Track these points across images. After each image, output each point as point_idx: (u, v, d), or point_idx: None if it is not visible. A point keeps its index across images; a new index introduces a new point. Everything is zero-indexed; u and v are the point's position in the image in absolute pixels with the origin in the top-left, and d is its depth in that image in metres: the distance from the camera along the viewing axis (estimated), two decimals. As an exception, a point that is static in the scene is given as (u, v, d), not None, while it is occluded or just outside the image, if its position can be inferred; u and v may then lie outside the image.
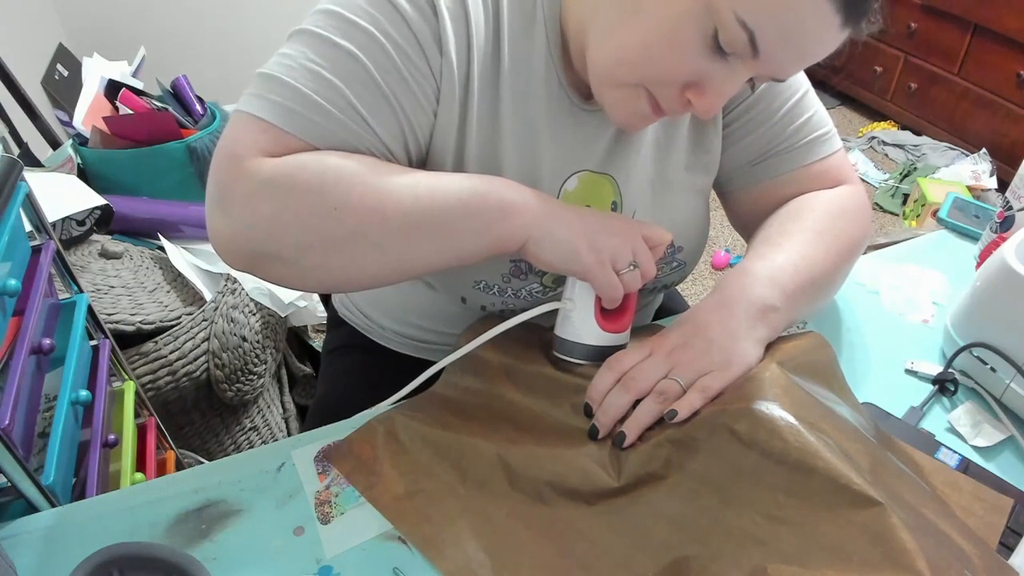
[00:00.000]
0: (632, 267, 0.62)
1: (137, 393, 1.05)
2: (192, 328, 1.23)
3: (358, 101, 0.58)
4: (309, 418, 0.91)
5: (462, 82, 0.62)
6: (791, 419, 0.54)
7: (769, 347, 0.65)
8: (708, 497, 0.56)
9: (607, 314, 0.65)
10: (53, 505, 0.70)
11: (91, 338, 0.99)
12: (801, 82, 0.75)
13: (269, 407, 1.48)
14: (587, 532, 0.59)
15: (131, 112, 1.54)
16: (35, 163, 1.46)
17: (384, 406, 0.71)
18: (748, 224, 0.80)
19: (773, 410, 0.55)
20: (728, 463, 0.55)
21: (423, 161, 0.66)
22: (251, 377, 1.35)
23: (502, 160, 0.66)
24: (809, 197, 0.76)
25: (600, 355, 0.65)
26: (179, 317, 1.22)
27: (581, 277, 0.62)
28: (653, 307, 0.95)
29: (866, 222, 0.77)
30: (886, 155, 2.86)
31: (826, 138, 0.76)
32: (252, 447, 1.40)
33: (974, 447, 0.70)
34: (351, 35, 0.57)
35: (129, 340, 1.17)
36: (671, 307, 1.02)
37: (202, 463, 1.23)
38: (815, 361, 0.65)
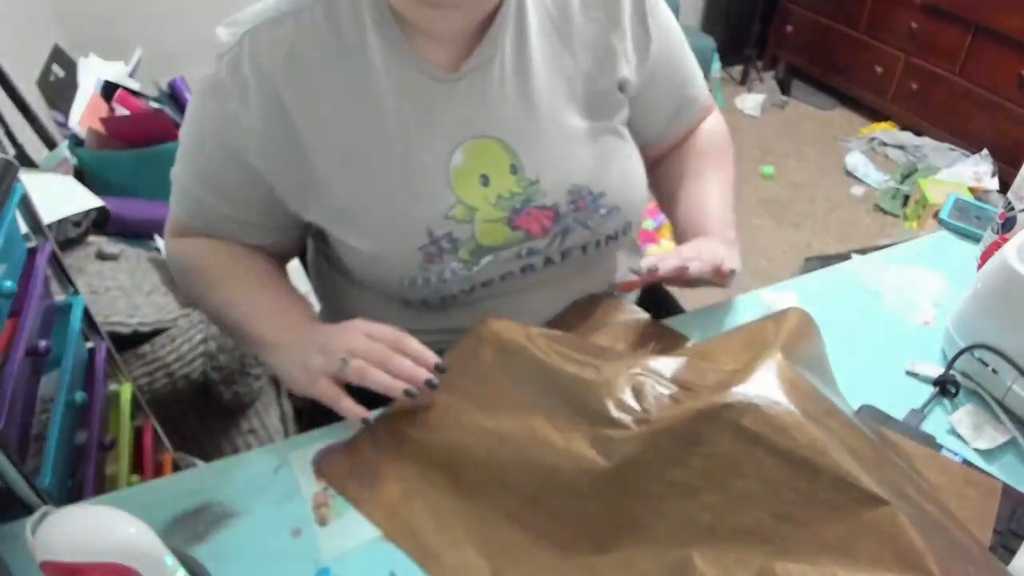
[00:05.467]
0: (343, 362, 0.66)
1: (134, 395, 1.05)
2: (189, 330, 1.22)
3: (207, 200, 0.75)
4: (306, 420, 0.90)
5: (276, 125, 0.68)
6: (798, 415, 0.54)
7: (767, 330, 0.65)
8: (710, 494, 0.55)
9: None
10: (49, 508, 0.70)
11: (87, 340, 0.98)
12: (674, 32, 0.83)
13: (267, 410, 1.47)
14: (587, 531, 0.58)
15: (127, 113, 1.54)
16: (31, 164, 1.45)
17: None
18: (657, 162, 0.91)
19: (780, 405, 0.54)
20: (732, 459, 0.55)
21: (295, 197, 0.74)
22: (248, 379, 1.35)
23: (371, 162, 0.70)
24: (708, 139, 0.91)
25: None
26: (176, 319, 1.22)
27: (338, 411, 0.67)
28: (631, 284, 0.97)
29: (729, 140, 0.94)
30: (887, 156, 2.86)
31: (702, 83, 0.89)
32: (250, 449, 1.39)
33: (975, 449, 0.69)
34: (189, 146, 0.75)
35: (126, 342, 1.16)
36: (670, 308, 1.01)
37: (199, 466, 1.22)
38: (810, 351, 0.65)
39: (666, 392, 0.60)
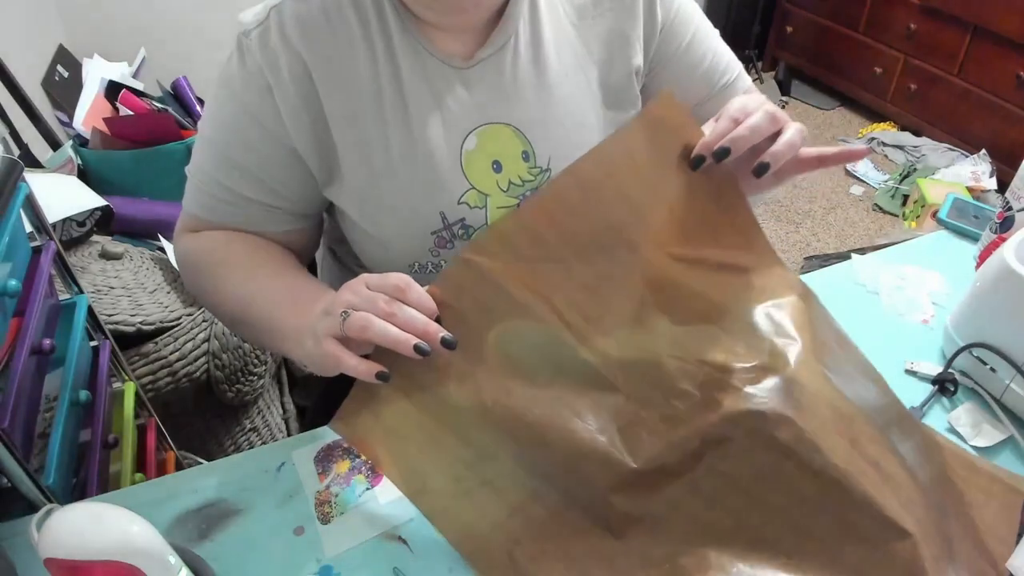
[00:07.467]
0: (344, 315, 0.56)
1: (137, 394, 1.05)
2: (192, 329, 1.23)
3: (232, 184, 0.72)
4: (309, 418, 0.91)
5: (305, 93, 0.68)
6: (834, 434, 0.53)
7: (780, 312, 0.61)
8: (734, 498, 0.55)
9: None
10: (53, 505, 0.70)
11: (91, 339, 0.99)
12: (693, 19, 0.80)
13: (269, 408, 1.48)
14: (603, 520, 0.57)
15: (131, 113, 1.55)
16: (36, 164, 1.46)
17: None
18: None
19: (816, 420, 0.53)
20: (760, 468, 0.54)
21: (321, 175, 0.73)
22: (251, 378, 1.35)
23: (388, 144, 0.70)
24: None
25: None
26: (179, 318, 1.22)
27: (345, 370, 0.57)
28: None
29: None
30: (886, 156, 2.86)
31: (732, 79, 0.84)
32: (252, 448, 1.40)
33: (974, 447, 0.70)
34: (219, 136, 0.72)
35: (129, 341, 1.17)
36: None
37: (202, 464, 1.22)
38: (827, 340, 0.62)
39: (697, 378, 0.57)
